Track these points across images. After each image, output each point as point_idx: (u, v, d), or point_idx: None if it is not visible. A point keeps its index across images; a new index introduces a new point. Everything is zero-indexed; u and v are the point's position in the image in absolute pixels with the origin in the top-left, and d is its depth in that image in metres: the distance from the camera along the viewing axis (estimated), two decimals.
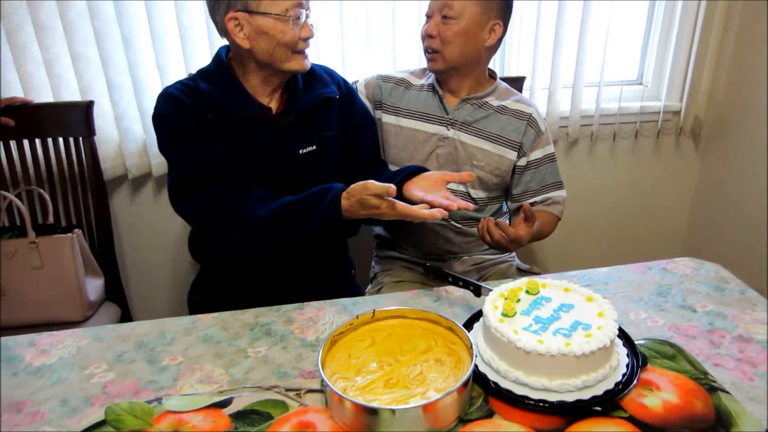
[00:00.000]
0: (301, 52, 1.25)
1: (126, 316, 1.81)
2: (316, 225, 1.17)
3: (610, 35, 2.00)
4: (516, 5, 1.88)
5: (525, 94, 1.88)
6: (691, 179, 2.35)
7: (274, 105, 1.33)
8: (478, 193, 1.51)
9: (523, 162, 1.49)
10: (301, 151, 1.34)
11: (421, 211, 1.08)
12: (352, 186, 1.14)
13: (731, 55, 2.10)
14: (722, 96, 2.16)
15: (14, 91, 1.72)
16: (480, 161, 1.48)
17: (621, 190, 2.30)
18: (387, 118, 1.53)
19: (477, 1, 1.36)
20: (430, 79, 1.52)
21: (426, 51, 1.44)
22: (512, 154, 1.48)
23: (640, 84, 2.23)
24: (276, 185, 1.31)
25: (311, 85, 1.35)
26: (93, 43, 1.71)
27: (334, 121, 1.39)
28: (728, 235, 2.22)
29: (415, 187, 1.23)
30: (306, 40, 1.24)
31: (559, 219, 1.53)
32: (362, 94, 1.55)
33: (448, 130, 1.48)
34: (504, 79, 1.64)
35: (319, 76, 1.38)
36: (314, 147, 1.35)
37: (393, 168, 1.50)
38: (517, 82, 1.80)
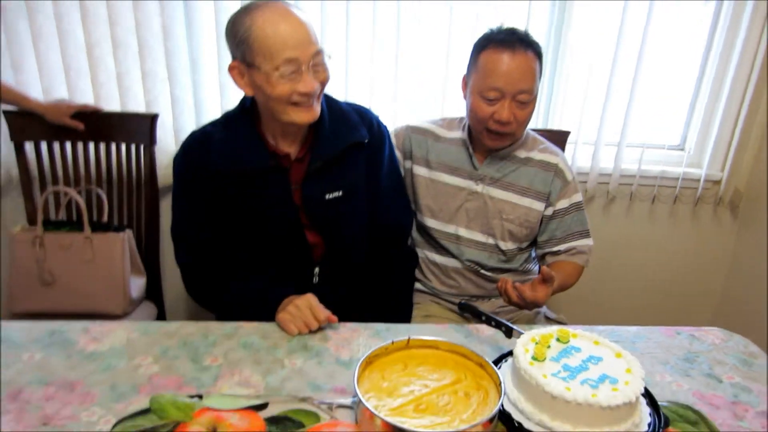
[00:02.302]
0: (301, 104, 1.21)
1: (161, 316, 1.89)
2: (257, 319, 1.24)
3: (658, 98, 2.04)
4: (564, 63, 1.98)
5: (569, 148, 1.92)
6: (726, 250, 2.34)
7: (294, 150, 1.32)
8: (507, 245, 1.53)
9: (549, 212, 1.51)
10: (327, 197, 1.33)
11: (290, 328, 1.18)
12: (300, 299, 1.21)
13: None
14: (765, 171, 2.18)
15: (86, 98, 1.86)
16: (509, 214, 1.51)
17: (655, 251, 2.32)
18: (418, 170, 1.57)
19: (538, 76, 1.39)
20: (461, 133, 1.54)
21: (490, 132, 1.42)
22: (540, 205, 1.50)
23: (682, 150, 2.26)
24: (297, 229, 1.35)
25: (339, 128, 1.32)
26: (163, 61, 1.85)
27: (362, 166, 1.38)
28: (758, 309, 2.20)
29: None
30: (304, 94, 1.19)
31: (584, 267, 1.54)
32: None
33: (477, 185, 1.51)
34: (547, 133, 1.68)
35: (349, 117, 1.36)
36: (340, 192, 1.34)
37: (426, 220, 1.55)
38: (561, 136, 1.84)
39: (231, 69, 1.23)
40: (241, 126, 1.31)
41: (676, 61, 2.11)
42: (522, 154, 1.52)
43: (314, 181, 1.32)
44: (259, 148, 1.29)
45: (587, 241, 1.54)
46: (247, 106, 1.33)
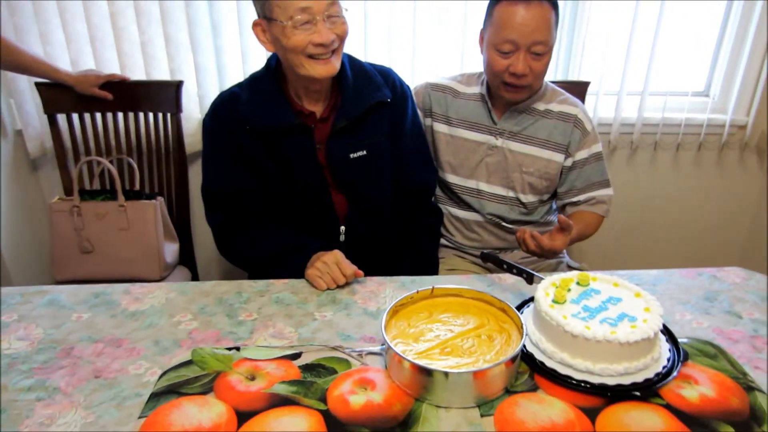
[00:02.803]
0: (318, 57, 1.22)
1: (194, 280, 1.96)
2: (286, 275, 1.28)
3: (681, 45, 2.01)
4: (584, 10, 1.94)
5: (589, 99, 1.91)
6: (752, 195, 2.32)
7: (319, 109, 1.35)
8: (528, 198, 1.55)
9: (569, 162, 1.52)
10: (351, 156, 1.36)
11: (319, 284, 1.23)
12: (327, 256, 1.26)
13: None
14: None
15: (112, 68, 1.90)
16: (529, 167, 1.52)
17: (680, 200, 2.31)
18: (438, 127, 1.58)
19: (554, 27, 1.38)
20: (479, 88, 1.55)
21: (506, 85, 1.42)
22: (560, 157, 1.51)
23: (707, 96, 2.22)
24: (323, 189, 1.39)
25: (363, 88, 1.35)
26: (185, 28, 1.87)
27: (386, 125, 1.40)
28: None
29: None
30: (319, 45, 1.20)
31: (604, 217, 1.55)
32: None
33: (497, 139, 1.52)
34: (567, 84, 1.67)
35: (373, 77, 1.38)
36: (365, 152, 1.37)
37: (447, 175, 1.57)
38: (580, 87, 1.82)
39: (254, 26, 1.26)
40: (267, 85, 1.34)
41: (699, 4, 2.05)
42: (541, 106, 1.52)
43: (339, 140, 1.35)
44: (284, 106, 1.32)
45: (607, 191, 1.55)
46: (272, 66, 1.35)
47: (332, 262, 1.24)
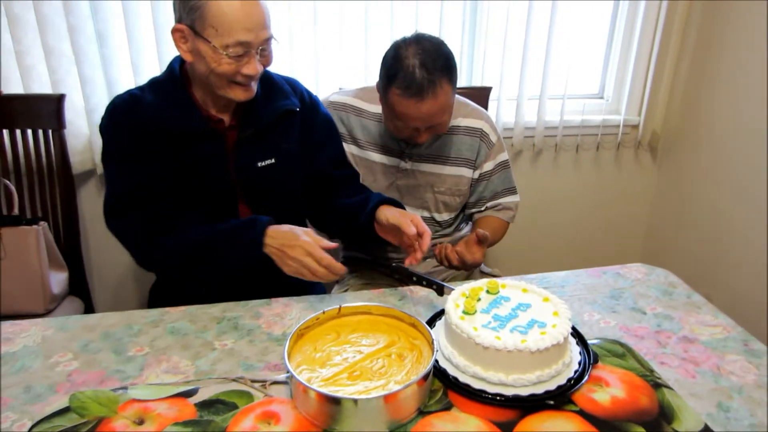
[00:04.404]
0: (242, 84, 1.19)
1: (89, 311, 1.79)
2: (237, 256, 1.17)
3: (574, 50, 2.09)
4: (483, 20, 1.97)
5: (492, 104, 1.92)
6: (648, 190, 2.46)
7: (227, 117, 1.29)
8: (443, 216, 1.53)
9: (476, 175, 1.51)
10: (259, 164, 1.31)
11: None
12: (294, 250, 1.12)
13: (686, 75, 2.23)
14: (677, 112, 2.29)
15: None
16: (440, 186, 1.50)
17: (583, 199, 2.39)
18: (347, 148, 1.52)
19: (453, 94, 1.31)
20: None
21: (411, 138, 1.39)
22: (468, 172, 1.50)
23: (602, 98, 2.32)
24: (231, 199, 1.30)
25: (271, 97, 1.31)
26: (66, 38, 1.72)
27: (295, 134, 1.36)
28: (682, 243, 2.33)
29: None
30: (248, 76, 1.17)
31: (510, 223, 1.56)
32: None
33: (405, 162, 1.49)
34: (470, 90, 1.66)
35: (280, 86, 1.34)
36: (273, 160, 1.32)
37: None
38: (483, 92, 1.83)
39: (174, 31, 1.16)
40: (173, 90, 1.25)
41: (589, 10, 2.13)
42: None
43: (246, 148, 1.29)
44: (192, 111, 1.24)
45: (513, 198, 1.55)
46: (176, 71, 1.26)
47: (303, 255, 1.11)
